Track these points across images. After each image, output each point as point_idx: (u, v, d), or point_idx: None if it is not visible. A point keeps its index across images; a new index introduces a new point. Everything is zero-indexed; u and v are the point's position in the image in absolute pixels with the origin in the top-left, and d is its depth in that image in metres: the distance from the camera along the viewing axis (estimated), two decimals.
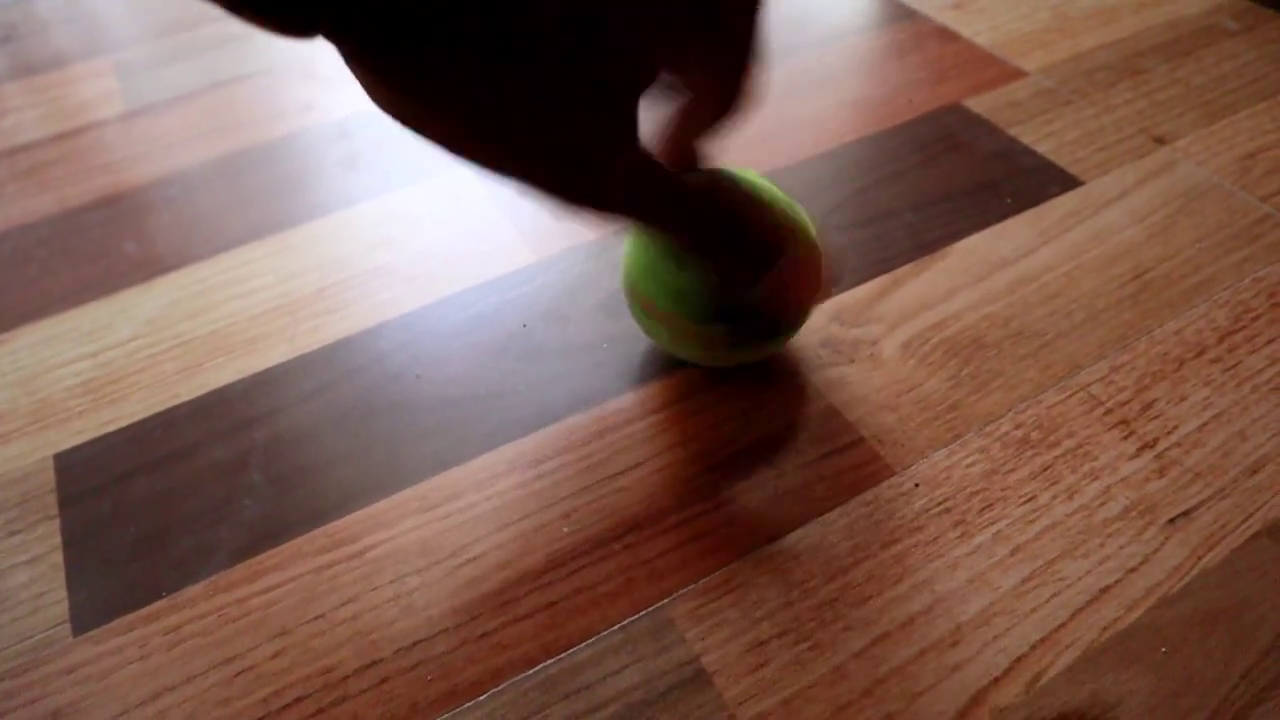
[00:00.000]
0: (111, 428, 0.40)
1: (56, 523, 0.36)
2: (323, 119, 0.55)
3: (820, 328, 0.41)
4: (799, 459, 0.37)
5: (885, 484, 0.36)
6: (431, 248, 0.46)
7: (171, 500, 0.37)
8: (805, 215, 0.36)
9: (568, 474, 0.36)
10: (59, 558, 0.35)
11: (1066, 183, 0.47)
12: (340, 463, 0.38)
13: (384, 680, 0.31)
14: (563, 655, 0.32)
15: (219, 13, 0.66)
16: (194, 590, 0.34)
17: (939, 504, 0.35)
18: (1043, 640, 0.31)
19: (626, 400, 0.39)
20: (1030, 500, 0.35)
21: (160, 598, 0.34)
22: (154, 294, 0.45)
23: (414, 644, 0.32)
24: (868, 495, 0.35)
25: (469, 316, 0.43)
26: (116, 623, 0.33)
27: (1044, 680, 0.30)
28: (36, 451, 0.39)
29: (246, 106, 0.57)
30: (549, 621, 0.32)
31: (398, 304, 0.44)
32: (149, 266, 0.47)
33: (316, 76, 0.59)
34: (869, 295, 0.42)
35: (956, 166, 0.48)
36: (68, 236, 0.49)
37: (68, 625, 0.33)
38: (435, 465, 0.37)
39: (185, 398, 0.41)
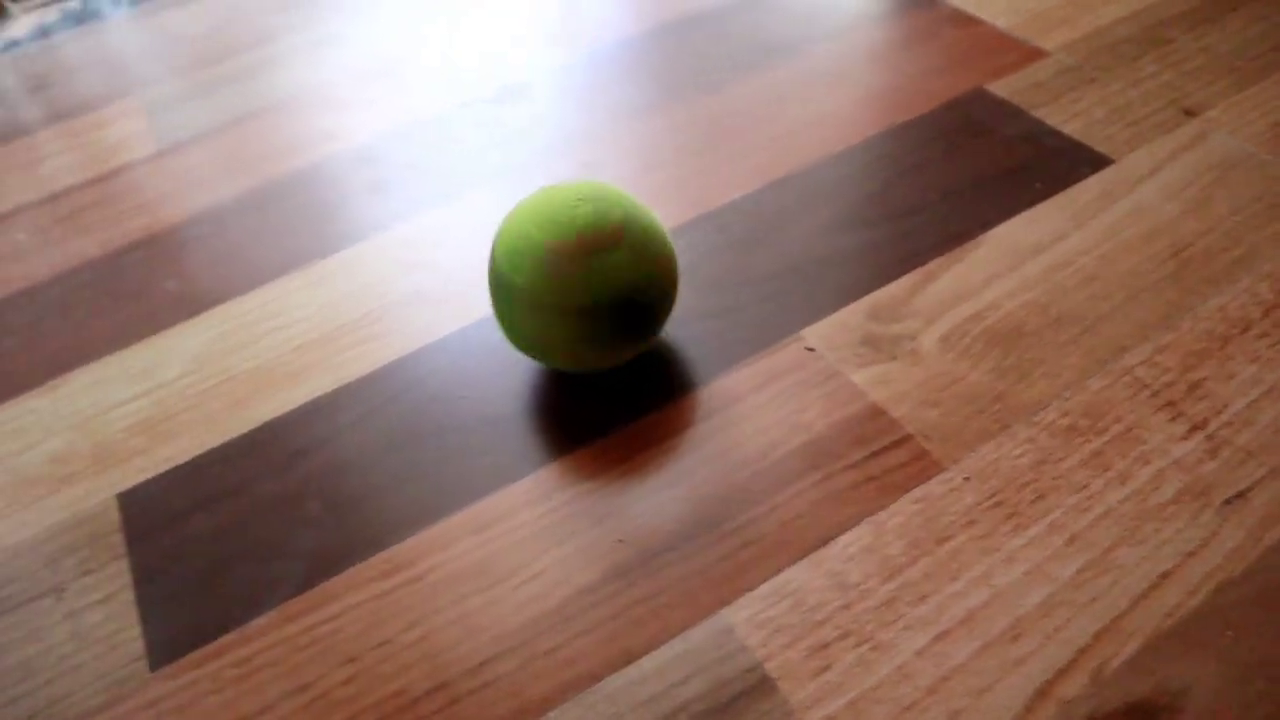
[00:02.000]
0: (169, 465, 0.41)
1: (126, 561, 0.37)
2: (345, 146, 0.56)
3: (857, 326, 0.41)
4: (845, 460, 0.37)
5: (935, 480, 0.36)
6: (463, 269, 0.47)
7: (232, 534, 0.38)
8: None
9: (617, 487, 0.37)
10: (130, 595, 0.36)
11: (1096, 162, 0.46)
12: (393, 488, 0.38)
13: (454, 701, 0.32)
14: (627, 668, 0.32)
15: (237, 48, 0.67)
16: (262, 621, 0.35)
17: (990, 497, 0.35)
18: (1104, 630, 0.31)
19: (669, 411, 0.39)
20: (1082, 489, 0.35)
21: (229, 630, 0.35)
22: (197, 331, 0.46)
23: (481, 664, 0.33)
24: (918, 492, 0.36)
25: (499, 339, 0.43)
26: (190, 657, 0.34)
27: (1108, 670, 0.30)
28: (100, 491, 0.40)
29: (270, 138, 0.58)
30: (611, 635, 0.33)
31: (435, 327, 0.44)
32: (190, 304, 0.48)
33: (336, 103, 0.60)
34: (904, 290, 0.42)
35: (982, 153, 0.48)
36: (111, 278, 0.50)
37: (144, 661, 0.34)
38: (486, 486, 0.38)
39: (236, 432, 0.41)
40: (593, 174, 0.51)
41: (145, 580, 0.37)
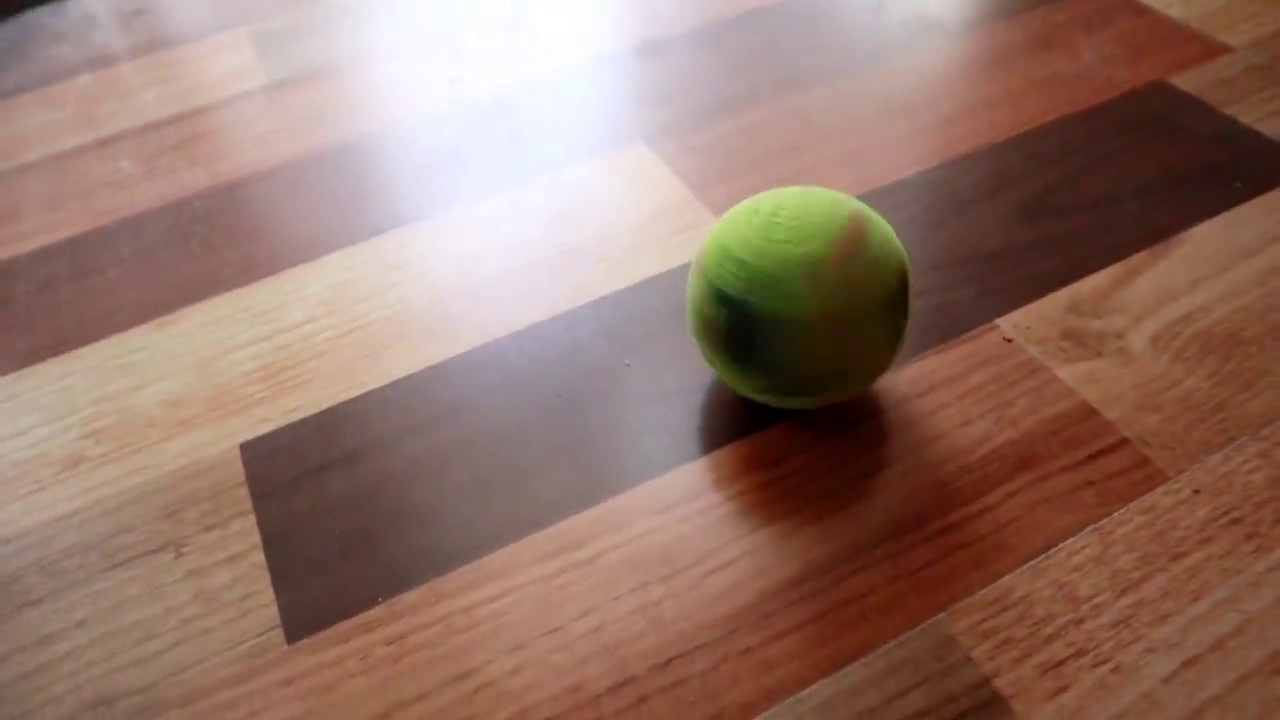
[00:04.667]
0: (296, 416, 0.37)
1: (253, 518, 0.34)
2: (476, 93, 0.52)
3: (1057, 318, 0.38)
4: (1060, 461, 0.33)
5: (1160, 490, 0.32)
6: (617, 227, 0.43)
7: (373, 498, 0.34)
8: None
9: (812, 473, 0.33)
10: (260, 557, 0.33)
11: None
12: (554, 460, 0.35)
13: (641, 700, 0.28)
14: (836, 674, 0.29)
15: None
16: (412, 596, 0.31)
17: (1225, 514, 0.32)
18: None
19: (862, 394, 0.36)
20: None
21: (376, 604, 0.31)
22: (322, 274, 0.43)
23: (669, 660, 0.29)
24: (1144, 502, 0.32)
25: (673, 303, 0.40)
26: (333, 630, 0.31)
27: None
28: (221, 440, 0.36)
29: (393, 79, 0.54)
30: (817, 637, 0.29)
31: (590, 288, 0.41)
32: (312, 245, 0.44)
33: (461, 49, 0.56)
34: (1105, 284, 0.39)
35: (1174, 149, 0.45)
36: (224, 213, 0.46)
37: (280, 631, 0.31)
38: (660, 463, 0.34)
39: (371, 386, 0.38)
40: (755, 141, 0.47)
41: (276, 541, 0.33)
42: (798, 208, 0.31)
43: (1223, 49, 0.50)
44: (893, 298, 0.31)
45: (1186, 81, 0.48)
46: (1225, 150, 0.44)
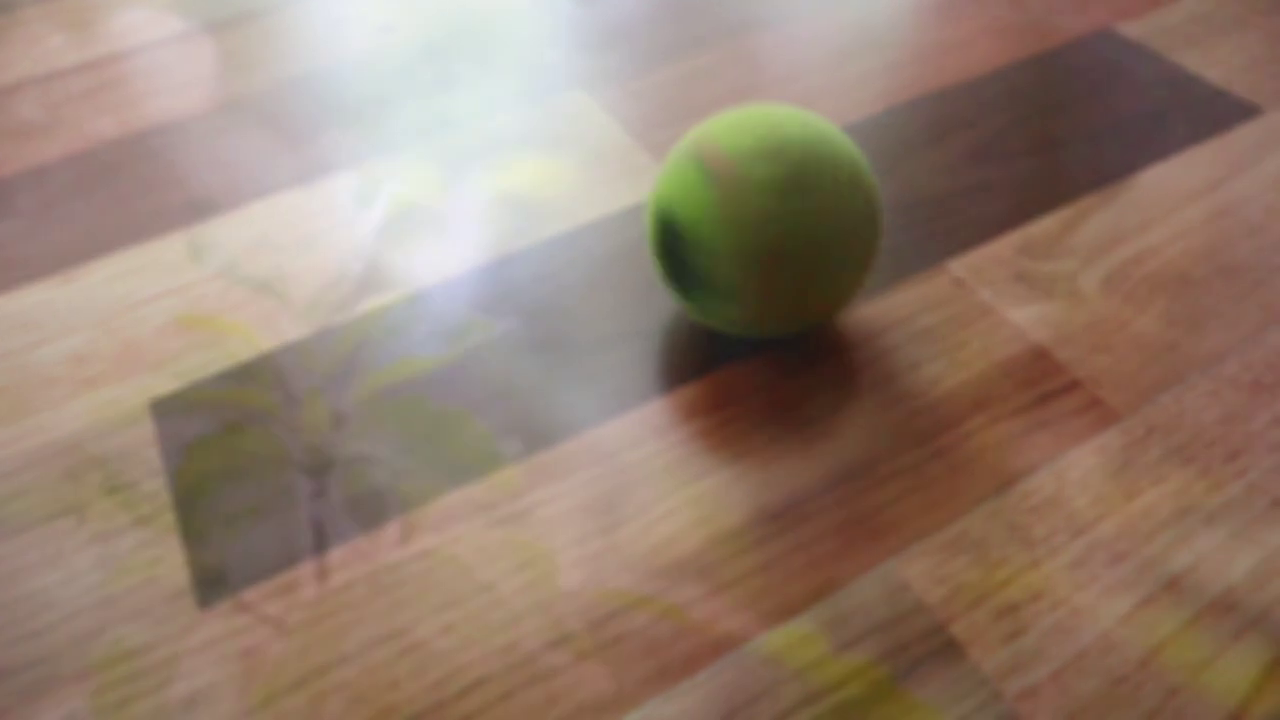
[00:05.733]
0: (212, 371, 0.34)
1: (163, 479, 0.31)
2: (407, 39, 0.50)
3: (1009, 260, 0.37)
4: (1013, 403, 0.32)
5: (1114, 430, 0.32)
6: (554, 173, 0.41)
7: (293, 454, 0.32)
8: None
9: (759, 419, 0.32)
10: (170, 518, 0.30)
11: (1245, 111, 0.43)
12: (489, 409, 0.33)
13: (581, 658, 0.27)
14: (785, 625, 0.27)
15: None
16: (334, 556, 0.29)
17: (1178, 452, 0.31)
18: None
19: (810, 336, 0.34)
20: (1279, 449, 0.31)
21: (295, 564, 0.29)
22: (241, 225, 0.40)
23: (609, 615, 0.28)
24: (1097, 442, 0.31)
25: (612, 248, 0.38)
26: (248, 593, 0.29)
27: None
28: (130, 398, 0.34)
29: (316, 27, 0.51)
30: (764, 586, 0.28)
31: (528, 233, 0.39)
32: (232, 195, 0.41)
33: None
34: (1056, 227, 0.38)
35: (1122, 94, 0.44)
36: (136, 163, 0.43)
37: (191, 596, 0.29)
38: (603, 410, 0.32)
39: (293, 336, 0.35)
40: (699, 86, 0.46)
41: (188, 502, 0.31)
42: (757, 134, 0.29)
43: None
44: (864, 220, 0.30)
45: (1133, 29, 0.48)
46: (1170, 96, 0.44)
